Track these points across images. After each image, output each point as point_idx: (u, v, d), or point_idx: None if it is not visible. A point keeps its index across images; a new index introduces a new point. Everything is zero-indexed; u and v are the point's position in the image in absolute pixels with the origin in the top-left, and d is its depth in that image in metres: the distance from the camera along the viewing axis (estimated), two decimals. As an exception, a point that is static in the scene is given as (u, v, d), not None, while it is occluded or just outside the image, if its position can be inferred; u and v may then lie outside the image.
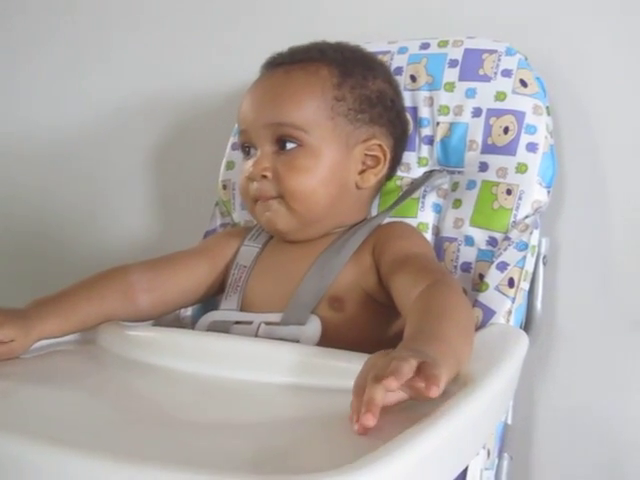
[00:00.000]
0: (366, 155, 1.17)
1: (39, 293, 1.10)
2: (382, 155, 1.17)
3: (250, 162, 1.14)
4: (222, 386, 0.93)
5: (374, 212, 1.26)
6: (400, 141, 1.23)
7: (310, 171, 1.12)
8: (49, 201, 1.83)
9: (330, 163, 1.13)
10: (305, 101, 1.12)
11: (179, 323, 1.30)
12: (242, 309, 1.16)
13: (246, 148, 1.17)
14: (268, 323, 1.10)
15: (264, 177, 1.12)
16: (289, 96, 1.13)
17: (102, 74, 1.77)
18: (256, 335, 1.09)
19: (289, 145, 1.12)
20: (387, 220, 1.22)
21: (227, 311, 1.17)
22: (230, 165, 1.40)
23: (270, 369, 0.93)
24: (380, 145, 1.17)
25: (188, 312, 1.31)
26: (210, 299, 1.26)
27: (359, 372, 0.79)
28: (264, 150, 1.13)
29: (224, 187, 1.39)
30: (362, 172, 1.17)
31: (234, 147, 1.40)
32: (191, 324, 1.28)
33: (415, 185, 1.27)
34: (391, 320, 1.12)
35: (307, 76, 1.14)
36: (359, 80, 1.16)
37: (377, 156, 1.17)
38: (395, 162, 1.23)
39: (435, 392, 0.73)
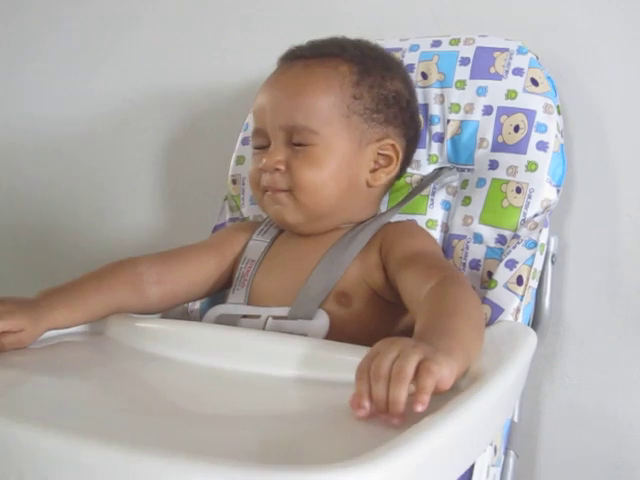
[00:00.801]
0: (379, 154, 1.17)
1: (46, 287, 1.10)
2: (394, 155, 1.18)
3: (263, 154, 1.14)
4: (230, 378, 0.93)
5: (383, 209, 1.26)
6: (412, 142, 1.23)
7: (322, 166, 1.12)
8: (56, 196, 1.84)
9: (342, 159, 1.13)
10: (321, 99, 1.12)
11: (187, 316, 1.30)
12: (249, 303, 1.17)
13: (259, 141, 1.17)
14: (275, 317, 1.10)
15: (277, 170, 1.12)
16: (306, 94, 1.12)
17: (110, 70, 1.78)
18: (264, 329, 1.09)
19: (302, 142, 1.12)
20: (395, 218, 1.22)
21: (235, 305, 1.17)
22: (240, 160, 1.40)
23: (278, 362, 0.93)
24: (393, 145, 1.17)
25: (196, 305, 1.31)
26: (218, 293, 1.26)
27: (364, 357, 0.79)
28: (277, 145, 1.13)
29: (234, 182, 1.40)
30: (374, 171, 1.17)
31: (244, 142, 1.40)
32: (199, 317, 1.28)
33: (424, 182, 1.27)
34: (398, 317, 1.12)
35: (326, 71, 1.14)
36: (377, 79, 1.16)
37: (389, 155, 1.17)
38: (406, 162, 1.23)
39: (419, 409, 0.73)
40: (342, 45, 1.18)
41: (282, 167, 1.12)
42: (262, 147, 1.16)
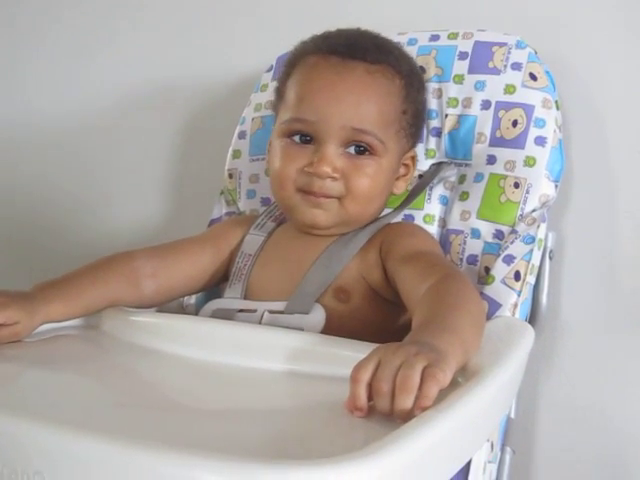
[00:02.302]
0: (402, 164, 1.18)
1: (43, 279, 1.09)
2: (412, 163, 1.20)
3: (310, 155, 1.11)
4: (225, 372, 0.93)
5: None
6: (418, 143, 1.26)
7: (376, 179, 1.12)
8: (51, 190, 1.83)
9: (389, 173, 1.14)
10: (385, 111, 1.12)
11: (182, 311, 1.30)
12: (246, 297, 1.16)
13: (296, 135, 1.13)
14: (272, 311, 1.10)
15: (331, 177, 1.10)
16: (373, 103, 1.11)
17: (108, 64, 1.77)
18: (260, 323, 1.09)
19: (357, 149, 1.11)
20: (396, 218, 1.23)
21: (231, 299, 1.17)
22: (236, 154, 1.39)
23: (274, 356, 0.93)
24: (414, 156, 1.20)
25: (191, 300, 1.31)
26: (214, 287, 1.26)
27: (363, 359, 0.78)
28: (332, 149, 1.10)
29: (230, 176, 1.39)
30: (397, 179, 1.19)
31: (241, 136, 1.39)
32: (194, 312, 1.28)
33: (424, 180, 1.27)
34: (396, 315, 1.12)
35: (388, 83, 1.13)
36: (414, 94, 1.18)
37: (408, 165, 1.19)
38: None
39: (418, 413, 0.73)
40: (395, 55, 1.16)
41: (338, 175, 1.10)
42: (299, 135, 1.13)
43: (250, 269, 1.18)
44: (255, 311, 1.11)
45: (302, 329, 1.04)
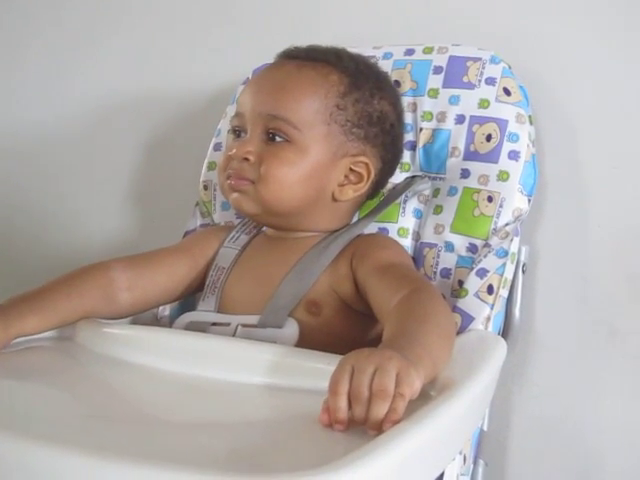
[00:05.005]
0: (351, 170, 1.16)
1: (11, 294, 1.09)
2: (366, 174, 1.17)
3: (237, 143, 1.15)
4: (199, 385, 0.93)
5: (355, 217, 1.25)
6: (389, 166, 1.23)
7: (293, 166, 1.12)
8: (28, 198, 1.82)
9: (314, 165, 1.13)
10: (306, 100, 1.13)
11: (156, 322, 1.29)
12: (219, 310, 1.16)
13: (237, 131, 1.17)
14: (245, 325, 1.10)
15: (246, 159, 1.12)
16: (291, 91, 1.13)
17: (85, 73, 1.76)
18: (233, 337, 1.09)
19: (278, 139, 1.12)
20: (368, 229, 1.22)
21: (205, 312, 1.16)
22: (212, 166, 1.39)
23: (248, 369, 0.93)
24: (367, 164, 1.17)
25: (166, 312, 1.30)
26: (189, 297, 1.26)
27: (337, 368, 0.78)
28: (253, 136, 1.13)
29: (205, 187, 1.39)
30: (342, 185, 1.17)
31: (216, 148, 1.39)
32: (169, 324, 1.27)
33: (397, 191, 1.26)
34: (368, 326, 1.12)
35: (316, 76, 1.14)
36: (365, 96, 1.16)
37: (361, 174, 1.17)
38: (379, 185, 1.23)
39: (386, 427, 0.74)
40: (339, 55, 1.18)
41: (251, 157, 1.12)
42: (238, 131, 1.16)
43: (224, 282, 1.18)
44: (229, 325, 1.11)
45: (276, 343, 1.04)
